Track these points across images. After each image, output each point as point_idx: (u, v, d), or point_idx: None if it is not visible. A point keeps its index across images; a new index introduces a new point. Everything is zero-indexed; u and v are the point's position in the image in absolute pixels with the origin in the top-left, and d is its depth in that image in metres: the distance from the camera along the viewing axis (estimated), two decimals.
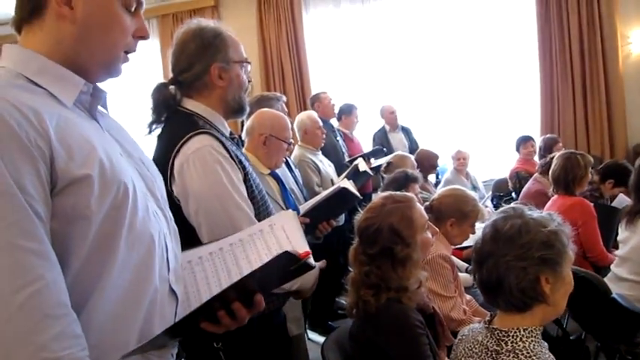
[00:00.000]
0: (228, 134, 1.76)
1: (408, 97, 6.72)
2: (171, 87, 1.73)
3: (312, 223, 2.30)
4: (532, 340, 1.35)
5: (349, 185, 2.32)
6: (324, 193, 2.42)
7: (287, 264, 1.07)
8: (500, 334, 1.38)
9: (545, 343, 1.40)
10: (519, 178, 4.94)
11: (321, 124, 3.98)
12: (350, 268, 1.88)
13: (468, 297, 2.61)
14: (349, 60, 6.90)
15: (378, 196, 1.94)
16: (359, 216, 1.87)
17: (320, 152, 4.03)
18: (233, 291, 1.07)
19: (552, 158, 3.62)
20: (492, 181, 6.05)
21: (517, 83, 6.59)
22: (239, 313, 1.10)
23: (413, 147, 5.77)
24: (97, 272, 0.96)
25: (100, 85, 1.13)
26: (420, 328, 1.72)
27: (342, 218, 3.49)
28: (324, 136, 3.98)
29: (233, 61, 1.71)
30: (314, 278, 1.66)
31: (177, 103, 1.72)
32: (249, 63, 1.80)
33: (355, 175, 3.74)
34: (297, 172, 3.09)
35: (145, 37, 1.14)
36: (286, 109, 3.45)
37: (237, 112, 1.80)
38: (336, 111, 5.26)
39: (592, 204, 3.39)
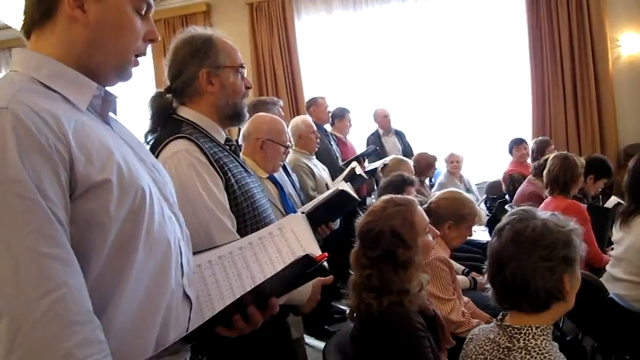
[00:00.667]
0: (223, 141, 1.73)
1: (401, 100, 6.75)
2: (168, 95, 1.73)
3: (311, 226, 2.30)
4: (544, 338, 1.37)
5: (348, 188, 2.33)
6: (323, 196, 2.43)
7: (305, 267, 1.07)
8: (512, 331, 1.40)
9: (556, 343, 1.42)
10: (513, 180, 4.96)
11: (315, 128, 3.98)
12: (351, 272, 1.88)
13: (466, 299, 2.61)
14: (342, 65, 6.94)
15: (379, 200, 1.94)
16: (360, 219, 1.87)
17: (314, 157, 4.02)
18: (250, 295, 1.07)
19: (546, 160, 3.64)
20: (485, 183, 6.09)
21: (508, 86, 6.65)
22: (254, 317, 1.10)
23: (406, 150, 5.80)
24: (115, 277, 0.96)
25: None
26: (421, 330, 1.72)
27: (338, 222, 3.48)
28: (318, 140, 3.98)
29: (224, 65, 1.69)
30: (309, 292, 1.63)
31: (173, 111, 1.72)
32: (243, 68, 1.76)
33: (352, 179, 3.74)
34: (294, 176, 3.08)
35: (154, 39, 1.14)
36: (283, 114, 3.45)
37: (232, 118, 1.76)
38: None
39: (585, 206, 3.42)
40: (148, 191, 1.03)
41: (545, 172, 3.43)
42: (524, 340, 1.37)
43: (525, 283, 1.37)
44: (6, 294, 0.82)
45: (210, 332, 1.09)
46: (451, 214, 2.58)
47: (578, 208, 3.25)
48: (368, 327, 1.77)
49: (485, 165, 6.56)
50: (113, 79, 1.11)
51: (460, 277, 2.98)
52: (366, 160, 5.01)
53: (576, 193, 3.76)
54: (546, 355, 1.33)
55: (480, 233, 4.17)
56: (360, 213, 1.91)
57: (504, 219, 1.50)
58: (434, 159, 5.07)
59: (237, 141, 1.98)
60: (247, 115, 1.85)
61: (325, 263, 1.11)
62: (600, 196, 4.38)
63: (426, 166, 4.95)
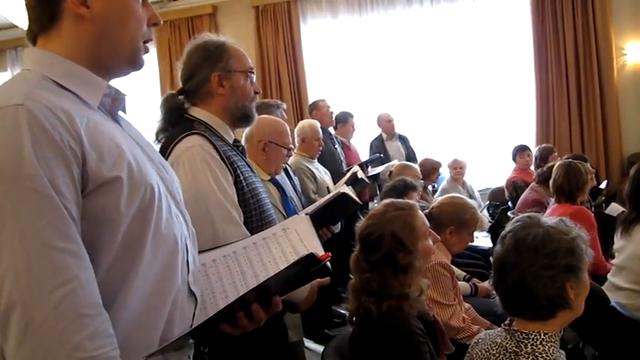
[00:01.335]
0: (231, 141, 1.80)
1: (405, 105, 6.75)
2: (180, 97, 1.81)
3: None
4: (552, 345, 1.36)
5: (349, 191, 2.32)
6: (324, 199, 2.42)
7: (309, 266, 1.09)
8: (520, 336, 1.39)
9: (563, 352, 1.41)
10: (516, 187, 4.95)
11: (321, 135, 3.98)
12: (350, 275, 1.87)
13: (467, 305, 2.60)
14: (346, 69, 6.95)
15: (379, 204, 1.94)
16: (360, 223, 1.87)
17: (316, 160, 4.03)
18: (254, 293, 1.09)
19: (550, 168, 3.62)
20: (488, 190, 6.08)
21: (513, 93, 6.63)
22: (257, 315, 1.13)
23: (410, 155, 5.79)
24: (123, 273, 0.98)
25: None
26: (420, 336, 1.71)
27: (338, 225, 3.48)
28: (320, 147, 3.98)
29: (235, 70, 1.78)
30: (307, 290, 1.65)
31: (184, 112, 1.79)
32: (252, 72, 1.85)
33: (353, 182, 3.74)
34: (296, 180, 3.08)
35: (158, 23, 1.16)
36: (286, 116, 3.46)
37: (241, 120, 1.85)
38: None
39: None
40: (157, 189, 1.05)
41: (550, 181, 3.41)
42: (532, 345, 1.36)
43: (527, 291, 1.36)
44: (19, 285, 0.84)
45: (214, 329, 1.11)
46: (453, 219, 2.57)
47: (585, 215, 3.23)
48: (367, 331, 1.76)
49: (489, 171, 6.55)
50: (126, 69, 1.13)
51: (461, 283, 2.98)
52: (369, 166, 5.01)
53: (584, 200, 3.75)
54: None
55: (482, 239, 4.16)
56: (361, 217, 1.90)
57: (508, 226, 1.50)
58: (438, 164, 5.08)
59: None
60: (256, 117, 1.92)
61: (328, 263, 1.14)
62: (603, 204, 4.36)
63: (430, 169, 4.95)
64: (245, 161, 1.82)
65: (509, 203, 5.03)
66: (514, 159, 5.45)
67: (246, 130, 2.56)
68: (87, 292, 0.88)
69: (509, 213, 4.53)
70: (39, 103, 0.90)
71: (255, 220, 1.72)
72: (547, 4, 6.22)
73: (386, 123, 5.94)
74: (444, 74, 6.75)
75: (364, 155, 5.72)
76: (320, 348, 2.76)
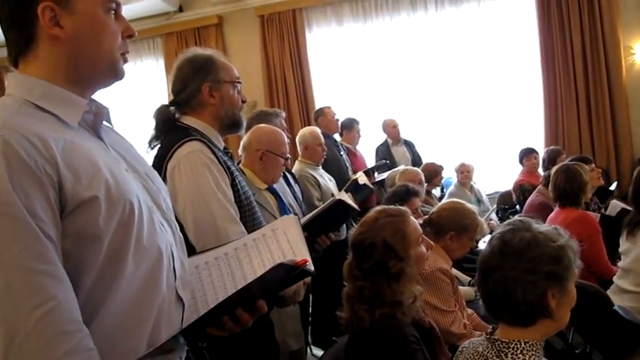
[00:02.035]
0: (222, 148, 1.91)
1: (412, 110, 6.73)
2: (171, 108, 1.94)
3: (310, 236, 2.30)
4: (532, 354, 1.34)
5: (346, 198, 2.32)
6: (321, 207, 2.42)
7: (287, 272, 1.13)
8: (500, 346, 1.37)
9: None
10: (523, 190, 4.90)
11: (322, 140, 3.98)
12: (344, 283, 1.87)
13: (470, 311, 2.58)
14: (352, 75, 6.94)
15: (372, 210, 1.94)
16: (352, 230, 1.87)
17: (320, 167, 4.03)
18: (234, 299, 1.13)
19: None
20: (498, 193, 6.03)
21: (520, 96, 6.58)
22: (242, 318, 1.17)
23: (416, 160, 5.77)
24: (107, 284, 1.03)
25: (103, 102, 1.18)
26: (414, 343, 1.70)
27: (344, 232, 3.47)
28: (324, 153, 3.98)
29: (224, 81, 1.91)
30: (296, 286, 1.71)
31: (176, 121, 1.91)
32: (239, 82, 1.98)
33: (356, 189, 3.73)
34: (296, 187, 3.09)
35: (132, 35, 1.18)
36: (285, 125, 3.47)
37: (231, 127, 1.98)
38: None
39: (597, 216, 3.36)
40: (137, 203, 1.09)
41: (550, 186, 3.37)
42: (512, 354, 1.34)
43: (507, 293, 1.35)
44: (1, 306, 0.90)
45: (202, 331, 1.16)
46: (452, 224, 2.55)
47: (588, 219, 3.19)
48: (361, 339, 1.76)
49: (498, 175, 6.49)
50: (107, 81, 1.17)
51: (465, 289, 2.95)
52: (376, 173, 5.00)
53: (588, 200, 3.71)
54: None
55: None
56: (353, 224, 1.90)
57: (499, 228, 1.49)
58: (440, 167, 5.04)
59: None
60: (244, 124, 2.06)
61: (310, 266, 1.18)
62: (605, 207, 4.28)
63: (433, 173, 4.90)
64: (235, 166, 1.95)
65: (517, 207, 4.99)
66: (521, 162, 5.41)
67: (244, 139, 2.58)
68: (65, 310, 0.93)
69: (516, 217, 4.48)
70: (15, 132, 0.95)
71: (249, 220, 1.86)
72: (553, 4, 6.17)
73: (391, 129, 5.92)
74: (449, 78, 6.72)
75: (371, 161, 5.70)
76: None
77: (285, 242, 1.41)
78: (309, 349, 3.38)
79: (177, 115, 1.93)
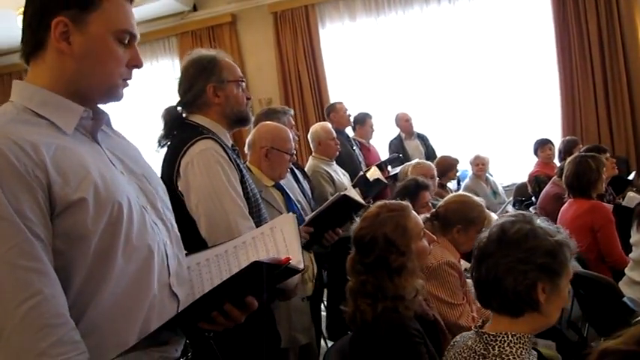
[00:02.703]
0: (230, 145, 1.98)
1: (426, 103, 6.70)
2: (179, 108, 2.02)
3: (317, 232, 2.33)
4: (520, 347, 1.34)
5: (352, 193, 2.33)
6: (326, 203, 2.44)
7: (268, 270, 1.15)
8: (488, 339, 1.38)
9: (535, 352, 1.39)
10: (538, 182, 4.85)
11: (334, 135, 4.00)
12: (348, 277, 1.90)
13: (479, 304, 2.58)
14: (366, 70, 6.93)
15: (373, 205, 1.95)
16: (355, 225, 1.89)
17: (334, 162, 4.05)
18: (216, 296, 1.16)
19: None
20: (514, 185, 5.97)
21: (536, 86, 6.49)
22: (232, 314, 1.21)
23: (430, 154, 5.74)
24: (97, 281, 1.09)
25: (104, 107, 1.25)
26: (417, 337, 1.71)
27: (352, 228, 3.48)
28: (338, 146, 4.00)
29: (228, 80, 1.98)
30: (297, 280, 1.77)
31: (184, 119, 2.00)
32: (243, 81, 2.06)
33: (367, 184, 3.74)
34: (305, 183, 3.11)
35: (138, 66, 1.24)
36: (293, 122, 3.50)
37: (238, 122, 2.06)
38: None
39: (611, 207, 3.33)
40: (126, 204, 1.14)
41: (562, 177, 3.36)
42: (499, 347, 1.35)
43: (497, 281, 1.36)
44: None
45: (193, 326, 1.21)
46: (459, 218, 2.54)
47: (602, 209, 3.17)
48: (364, 333, 1.78)
49: (515, 167, 6.42)
50: (103, 100, 1.23)
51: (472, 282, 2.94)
52: (389, 166, 5.00)
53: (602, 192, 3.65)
54: None
55: None
56: (356, 219, 1.92)
57: (501, 219, 1.50)
58: (456, 161, 5.00)
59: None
60: (252, 119, 2.14)
61: (298, 264, 1.24)
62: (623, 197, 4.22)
63: (448, 167, 4.88)
64: (243, 164, 2.02)
65: (533, 198, 4.94)
66: (535, 153, 5.35)
67: (249, 137, 2.62)
68: (51, 305, 0.99)
69: (531, 208, 4.45)
70: (7, 139, 1.01)
71: (255, 216, 1.91)
72: None
73: (404, 122, 5.91)
74: (463, 71, 6.66)
75: (384, 156, 5.70)
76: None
77: (281, 240, 1.44)
78: (324, 343, 3.41)
79: (184, 115, 2.01)
